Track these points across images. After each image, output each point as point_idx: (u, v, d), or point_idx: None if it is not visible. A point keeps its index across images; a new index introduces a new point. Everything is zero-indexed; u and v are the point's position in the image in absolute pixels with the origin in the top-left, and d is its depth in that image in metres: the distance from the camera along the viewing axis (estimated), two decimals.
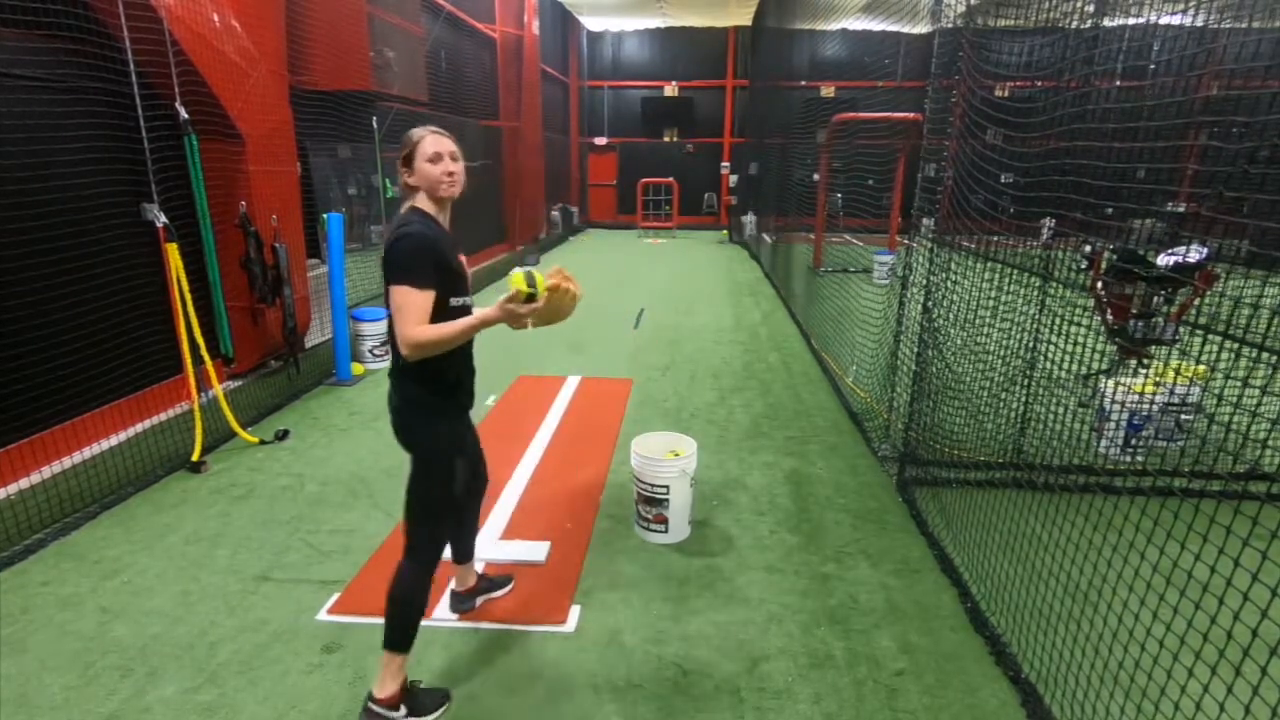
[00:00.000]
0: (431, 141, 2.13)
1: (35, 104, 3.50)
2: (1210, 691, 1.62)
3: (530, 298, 1.93)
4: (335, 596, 2.83)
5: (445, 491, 2.22)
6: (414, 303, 2.01)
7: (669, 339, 7.03)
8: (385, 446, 4.32)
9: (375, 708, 2.19)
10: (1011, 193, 3.10)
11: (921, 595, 2.90)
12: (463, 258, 2.24)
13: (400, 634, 2.22)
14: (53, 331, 3.53)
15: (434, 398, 2.21)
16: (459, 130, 9.46)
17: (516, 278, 1.94)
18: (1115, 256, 4.37)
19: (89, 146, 3.69)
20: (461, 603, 2.79)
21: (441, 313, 2.07)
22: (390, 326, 2.07)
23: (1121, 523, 2.08)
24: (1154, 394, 3.95)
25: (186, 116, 4.10)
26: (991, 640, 2.58)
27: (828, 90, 11.80)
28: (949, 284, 3.54)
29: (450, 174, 2.14)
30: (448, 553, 2.44)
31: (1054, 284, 3.44)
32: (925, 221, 3.84)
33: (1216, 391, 3.85)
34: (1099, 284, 4.56)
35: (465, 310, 2.15)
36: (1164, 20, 2.84)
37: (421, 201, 2.17)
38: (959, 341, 3.42)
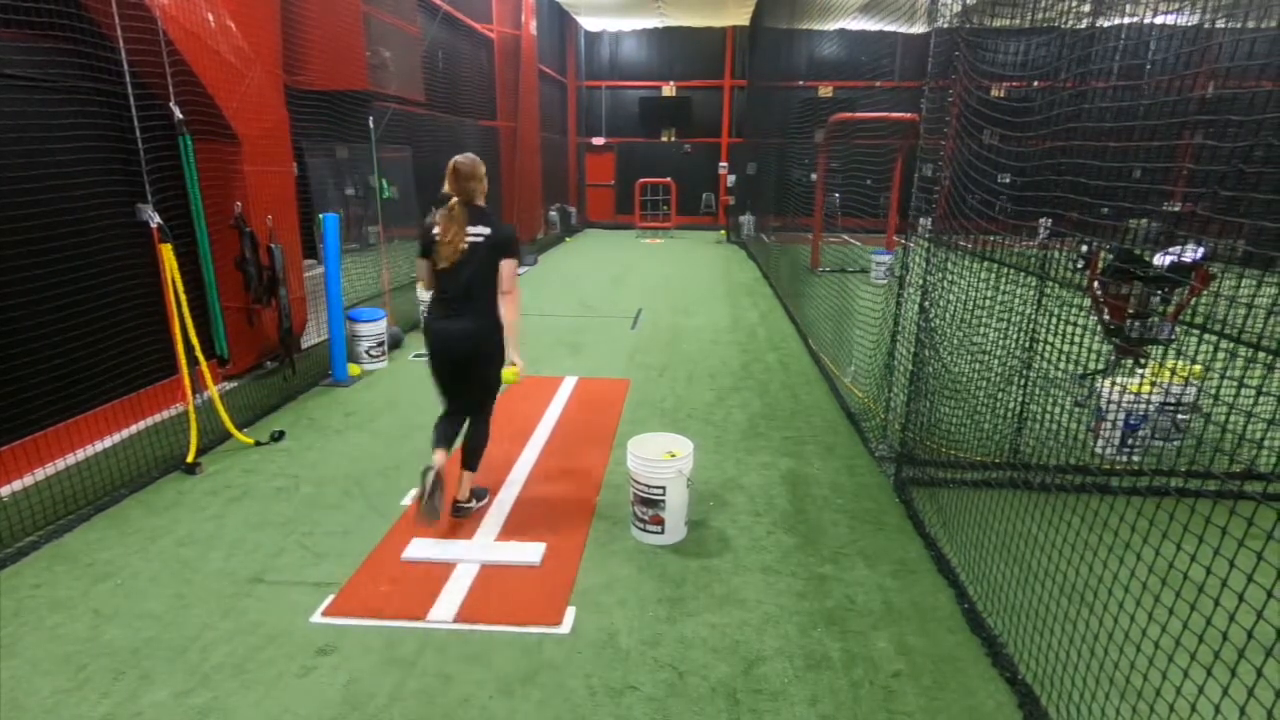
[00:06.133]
0: None
1: (29, 104, 3.49)
2: (1205, 692, 1.62)
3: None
4: (330, 599, 2.82)
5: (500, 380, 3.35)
6: None
7: (666, 339, 7.02)
8: (381, 447, 4.31)
9: (466, 505, 3.42)
10: (1008, 192, 3.10)
11: (918, 596, 2.89)
12: None
13: (481, 459, 3.44)
14: (47, 332, 3.52)
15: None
16: (458, 130, 9.48)
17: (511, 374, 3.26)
18: (1112, 256, 4.36)
19: (83, 147, 3.68)
20: (459, 511, 3.47)
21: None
22: (494, 277, 3.20)
23: (1117, 523, 2.08)
24: (1150, 394, 3.94)
25: (181, 117, 4.08)
26: (988, 641, 2.57)
27: (825, 90, 11.80)
28: (946, 284, 3.53)
29: None
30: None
31: (1051, 283, 3.43)
32: (922, 221, 3.83)
33: (1212, 391, 3.85)
34: (1096, 283, 4.55)
35: None
36: (1159, 20, 2.84)
37: None
38: (956, 341, 3.42)
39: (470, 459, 3.42)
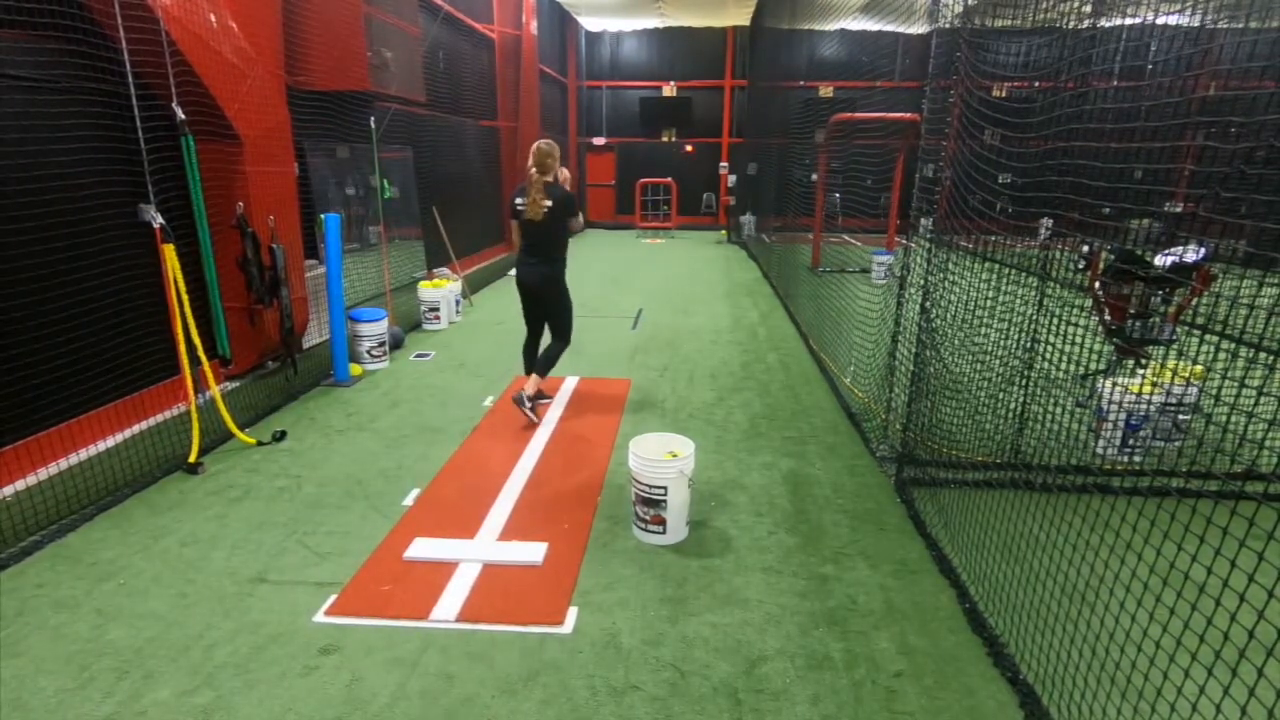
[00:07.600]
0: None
1: (31, 104, 3.49)
2: (1206, 693, 1.62)
3: None
4: (332, 598, 2.82)
5: (571, 306, 4.80)
6: None
7: (667, 339, 7.03)
8: (382, 447, 4.32)
9: (540, 399, 4.81)
10: (1009, 193, 3.10)
11: (920, 596, 2.90)
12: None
13: (551, 369, 4.73)
14: (49, 333, 3.52)
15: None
16: (459, 130, 9.48)
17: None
18: (1113, 256, 4.37)
19: (85, 147, 3.69)
20: (528, 401, 4.62)
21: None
22: (563, 234, 4.57)
23: (1118, 523, 2.08)
24: (1151, 394, 3.94)
25: (183, 117, 4.09)
26: (990, 641, 2.58)
27: (826, 90, 11.79)
28: (947, 284, 3.53)
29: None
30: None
31: (1052, 284, 3.44)
32: (923, 221, 3.84)
33: (1213, 392, 3.85)
34: (1097, 284, 4.55)
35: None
36: (1161, 20, 2.84)
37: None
38: (957, 341, 3.42)
39: (542, 367, 4.70)
